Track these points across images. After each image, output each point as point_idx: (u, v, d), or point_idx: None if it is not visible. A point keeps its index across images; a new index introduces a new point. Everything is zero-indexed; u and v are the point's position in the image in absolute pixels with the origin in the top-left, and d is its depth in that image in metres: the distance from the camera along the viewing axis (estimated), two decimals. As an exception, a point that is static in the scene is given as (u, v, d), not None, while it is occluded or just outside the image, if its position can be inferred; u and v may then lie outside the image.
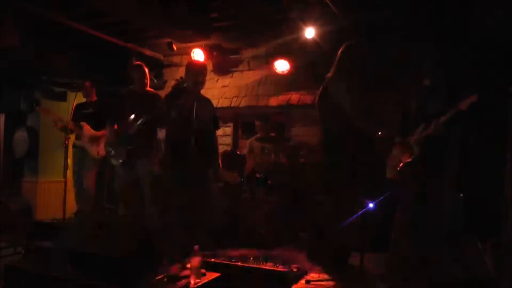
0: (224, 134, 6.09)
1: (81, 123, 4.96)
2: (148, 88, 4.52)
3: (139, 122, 4.24)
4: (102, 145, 4.74)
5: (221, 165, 4.24)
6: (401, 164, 3.61)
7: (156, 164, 4.46)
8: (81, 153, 5.01)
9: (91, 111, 5.04)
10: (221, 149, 5.04)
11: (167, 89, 6.30)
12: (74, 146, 5.06)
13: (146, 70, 4.48)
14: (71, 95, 5.78)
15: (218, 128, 4.24)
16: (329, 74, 3.50)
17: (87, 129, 4.92)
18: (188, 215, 3.53)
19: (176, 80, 4.21)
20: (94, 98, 5.17)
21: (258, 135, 5.37)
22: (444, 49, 4.71)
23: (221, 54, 5.97)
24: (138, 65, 4.49)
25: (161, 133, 5.28)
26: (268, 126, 5.27)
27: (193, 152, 3.22)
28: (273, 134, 4.88)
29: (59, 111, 5.25)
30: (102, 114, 4.63)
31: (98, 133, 4.86)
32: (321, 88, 3.53)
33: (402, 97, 3.77)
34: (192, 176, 3.58)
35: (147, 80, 4.49)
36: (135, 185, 4.40)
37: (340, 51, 3.52)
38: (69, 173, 4.92)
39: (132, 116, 4.29)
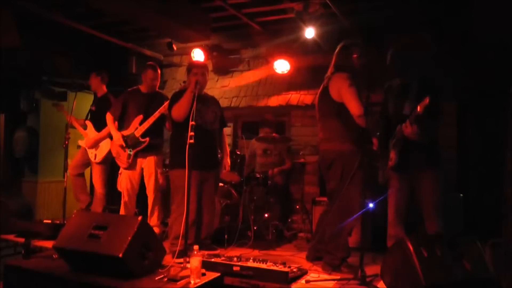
0: (224, 134, 6.10)
1: (86, 122, 4.94)
2: (157, 90, 4.52)
3: (144, 123, 4.25)
4: (99, 149, 4.73)
5: (229, 163, 4.24)
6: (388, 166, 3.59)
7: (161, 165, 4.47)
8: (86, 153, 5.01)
9: (93, 108, 4.97)
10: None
11: (167, 89, 6.32)
12: (79, 146, 5.04)
13: (159, 71, 4.50)
14: (71, 95, 5.77)
15: (225, 126, 4.24)
16: (328, 74, 3.50)
17: (90, 130, 4.88)
18: (191, 215, 3.52)
19: (183, 82, 4.22)
20: (104, 91, 5.00)
21: (260, 135, 5.36)
22: (444, 49, 4.72)
23: (221, 54, 5.97)
24: (153, 65, 4.49)
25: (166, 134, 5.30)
26: (270, 127, 5.25)
27: (197, 152, 3.21)
28: (274, 135, 4.87)
29: (58, 111, 5.23)
30: (102, 113, 4.56)
31: (97, 136, 4.77)
32: (321, 87, 3.53)
33: (384, 97, 3.75)
34: (197, 176, 3.58)
35: (158, 81, 4.49)
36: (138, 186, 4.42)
37: (336, 50, 3.52)
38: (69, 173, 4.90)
39: (137, 118, 4.30)
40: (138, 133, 4.28)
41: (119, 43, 5.81)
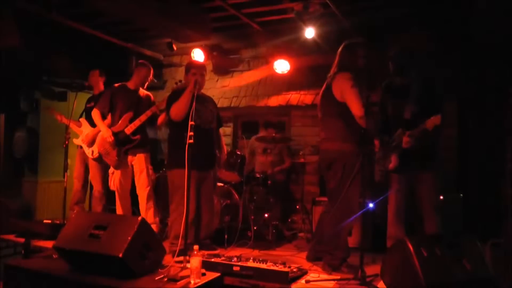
0: (224, 134, 6.08)
1: (80, 120, 4.94)
2: (141, 88, 4.51)
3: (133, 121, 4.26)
4: (96, 144, 4.70)
5: (222, 161, 4.26)
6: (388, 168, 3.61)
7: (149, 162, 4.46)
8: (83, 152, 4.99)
9: (92, 105, 4.88)
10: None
11: (167, 89, 6.32)
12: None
13: (152, 70, 4.51)
14: (71, 95, 5.77)
15: (221, 126, 4.24)
16: (331, 73, 3.50)
17: (86, 127, 4.87)
18: (191, 214, 3.52)
19: (176, 83, 4.24)
20: (100, 89, 5.00)
21: (259, 135, 5.37)
22: (444, 49, 4.72)
23: (221, 54, 5.97)
24: (147, 64, 4.50)
25: (162, 133, 5.27)
26: (274, 127, 5.26)
27: (195, 152, 3.21)
28: (274, 134, 4.87)
29: (59, 112, 5.22)
30: None
31: (94, 131, 4.71)
32: (324, 86, 3.53)
33: (382, 96, 3.76)
34: (195, 175, 3.58)
35: (149, 80, 4.50)
36: (131, 184, 4.43)
37: (340, 49, 3.52)
38: (69, 172, 4.88)
39: (126, 115, 4.29)
40: (128, 131, 4.26)
41: (119, 43, 5.81)
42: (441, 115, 3.19)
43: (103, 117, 4.40)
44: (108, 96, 4.39)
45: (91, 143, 4.70)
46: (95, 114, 4.37)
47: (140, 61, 4.65)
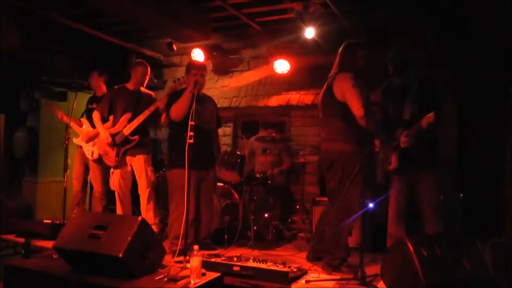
0: (224, 134, 6.09)
1: (81, 119, 4.94)
2: (142, 88, 4.52)
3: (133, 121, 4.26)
4: (96, 146, 4.69)
5: (218, 160, 4.26)
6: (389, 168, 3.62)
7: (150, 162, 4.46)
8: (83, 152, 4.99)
9: (95, 106, 4.87)
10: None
11: (167, 89, 6.32)
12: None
13: (149, 68, 4.51)
14: (71, 95, 5.77)
15: (220, 126, 4.24)
16: (331, 73, 3.50)
17: (87, 127, 4.87)
18: (191, 214, 3.52)
19: (175, 81, 4.24)
20: (103, 91, 4.98)
21: (258, 135, 5.36)
22: (444, 49, 4.72)
23: (221, 54, 5.97)
24: (143, 62, 4.51)
25: (162, 133, 5.26)
26: (273, 127, 5.26)
27: (195, 152, 3.21)
28: (274, 134, 4.87)
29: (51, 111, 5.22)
30: None
31: (94, 131, 4.70)
32: (324, 86, 3.53)
33: (382, 97, 3.76)
34: (195, 175, 3.58)
35: (147, 78, 4.50)
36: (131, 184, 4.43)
37: (340, 49, 3.52)
38: (69, 172, 4.88)
39: (125, 115, 4.29)
40: (127, 131, 4.27)
41: (119, 43, 5.81)
42: (435, 113, 3.19)
43: (104, 120, 4.42)
44: (108, 99, 4.42)
45: (90, 140, 4.72)
46: (95, 116, 4.41)
47: (137, 60, 4.67)
